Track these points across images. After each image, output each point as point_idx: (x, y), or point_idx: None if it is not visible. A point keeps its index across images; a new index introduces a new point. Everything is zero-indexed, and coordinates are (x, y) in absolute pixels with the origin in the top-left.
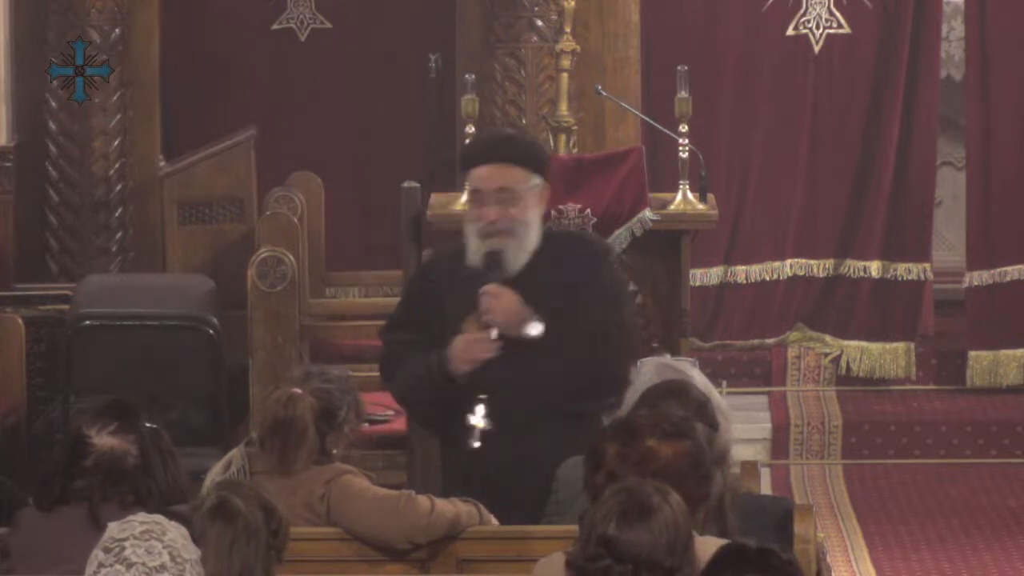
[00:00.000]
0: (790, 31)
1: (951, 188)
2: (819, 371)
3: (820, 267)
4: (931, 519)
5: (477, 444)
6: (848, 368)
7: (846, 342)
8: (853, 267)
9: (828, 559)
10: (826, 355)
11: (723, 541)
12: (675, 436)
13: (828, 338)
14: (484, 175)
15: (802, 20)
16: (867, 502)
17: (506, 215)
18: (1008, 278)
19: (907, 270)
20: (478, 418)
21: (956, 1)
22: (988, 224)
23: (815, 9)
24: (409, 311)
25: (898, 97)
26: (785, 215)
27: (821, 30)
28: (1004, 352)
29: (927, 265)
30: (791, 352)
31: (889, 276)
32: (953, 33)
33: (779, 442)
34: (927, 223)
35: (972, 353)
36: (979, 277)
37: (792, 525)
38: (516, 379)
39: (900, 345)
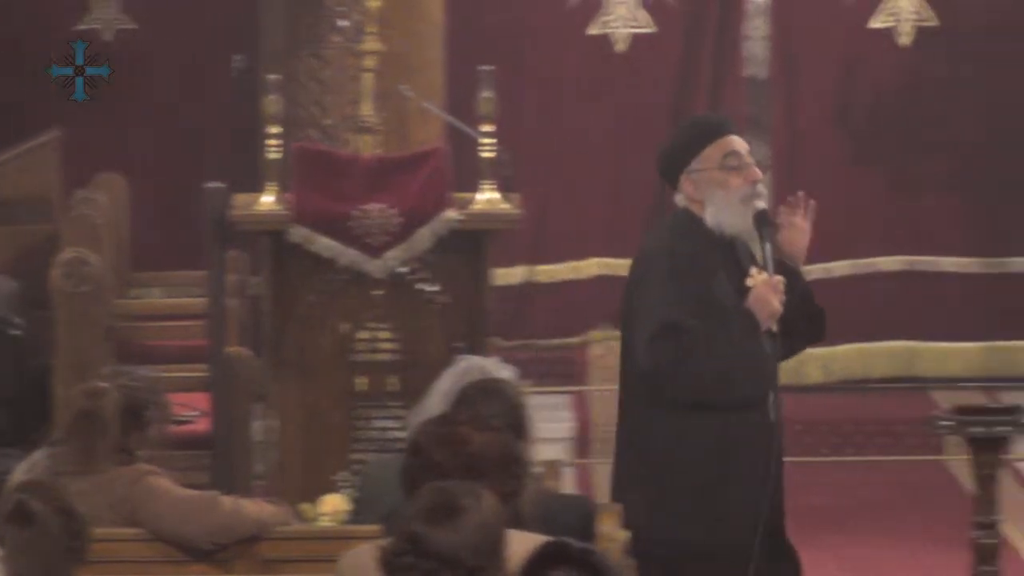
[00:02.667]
0: (594, 31)
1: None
2: None
3: (624, 266)
4: None
5: (773, 416)
6: None
7: None
8: None
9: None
10: None
11: (542, 538)
12: (490, 427)
13: None
14: (739, 142)
15: (605, 20)
16: None
17: (761, 177)
18: (810, 278)
19: None
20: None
21: (760, 0)
22: None
23: (618, 9)
24: (677, 291)
25: (702, 96)
26: (590, 214)
27: (626, 29)
28: (807, 352)
29: None
30: (595, 351)
31: None
32: (757, 32)
33: (582, 441)
34: None
35: None
36: None
37: (594, 524)
38: (774, 345)
39: None
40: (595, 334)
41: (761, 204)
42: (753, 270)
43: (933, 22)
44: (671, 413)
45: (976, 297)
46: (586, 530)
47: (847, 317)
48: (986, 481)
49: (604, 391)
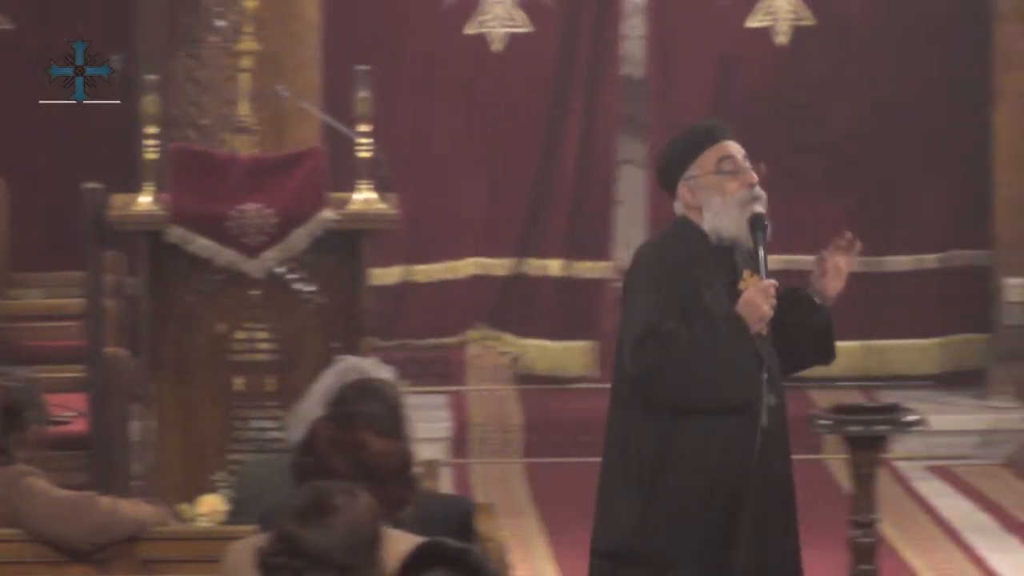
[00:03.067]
0: (470, 30)
1: (633, 187)
2: (500, 370)
3: (501, 266)
4: None
5: (765, 421)
6: (529, 367)
7: (527, 341)
8: (534, 266)
9: (509, 558)
10: (507, 354)
11: (420, 539)
12: (389, 434)
13: (509, 337)
14: (735, 147)
15: (482, 19)
16: (549, 500)
17: (758, 180)
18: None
19: (588, 269)
20: (765, 394)
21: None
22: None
23: (495, 8)
24: (664, 295)
25: (579, 96)
26: (467, 214)
27: (502, 29)
28: None
29: (608, 264)
30: (472, 351)
31: (570, 275)
32: (634, 31)
33: (460, 441)
34: (608, 222)
35: None
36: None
37: (473, 524)
38: (771, 354)
39: (581, 344)
40: (472, 334)
41: (759, 207)
42: (745, 273)
43: (810, 21)
44: (658, 417)
45: (854, 296)
46: (464, 530)
47: None
48: (864, 480)
49: (481, 391)
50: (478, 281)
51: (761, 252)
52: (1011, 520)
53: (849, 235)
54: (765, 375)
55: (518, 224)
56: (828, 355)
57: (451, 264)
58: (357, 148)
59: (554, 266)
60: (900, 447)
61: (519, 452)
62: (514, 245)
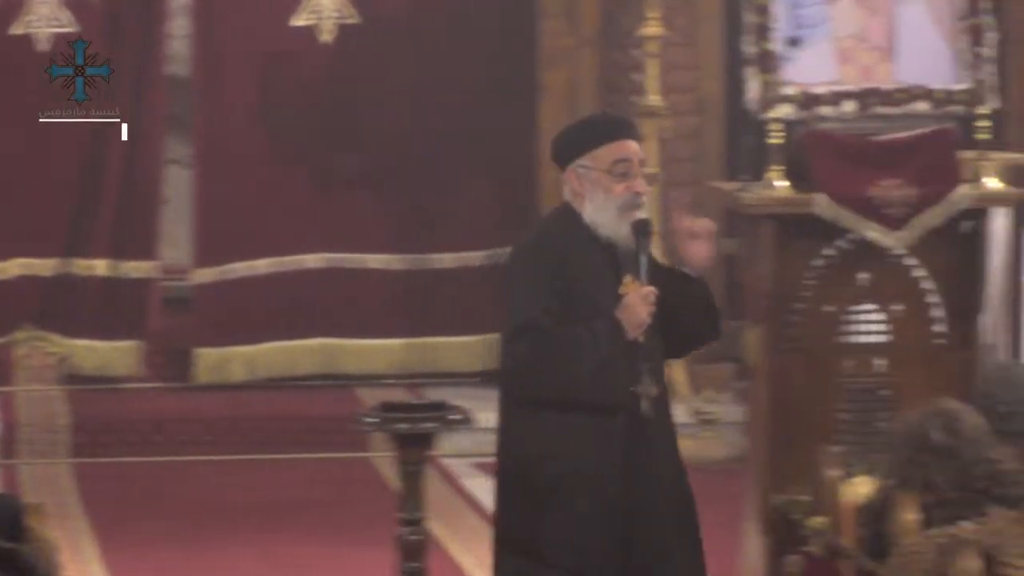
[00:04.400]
0: (18, 30)
1: (178, 186)
2: (47, 370)
3: (46, 266)
4: (164, 516)
5: (651, 412)
6: (76, 367)
7: (74, 341)
8: (80, 266)
9: (59, 557)
10: (54, 354)
11: None
12: None
13: (56, 337)
14: (633, 149)
15: (28, 19)
16: (98, 501)
17: (647, 189)
18: (234, 275)
19: (134, 269)
20: (647, 385)
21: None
22: (215, 222)
23: (40, 8)
24: (542, 290)
25: (125, 95)
26: (10, 214)
27: (48, 29)
28: (231, 349)
29: (154, 263)
30: (19, 351)
31: (116, 275)
32: (180, 30)
33: (7, 442)
34: (153, 221)
35: (199, 351)
36: (206, 275)
37: (22, 523)
38: (653, 343)
39: (127, 343)
40: (18, 334)
41: (640, 215)
42: (627, 278)
43: (355, 19)
44: (532, 412)
45: (399, 294)
46: (13, 529)
47: (272, 315)
48: (411, 478)
49: (29, 391)
50: (24, 281)
51: (643, 259)
52: None
53: (682, 197)
54: (646, 366)
55: (63, 224)
56: (714, 328)
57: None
58: None
59: (100, 266)
60: (447, 444)
61: (67, 452)
62: (60, 245)
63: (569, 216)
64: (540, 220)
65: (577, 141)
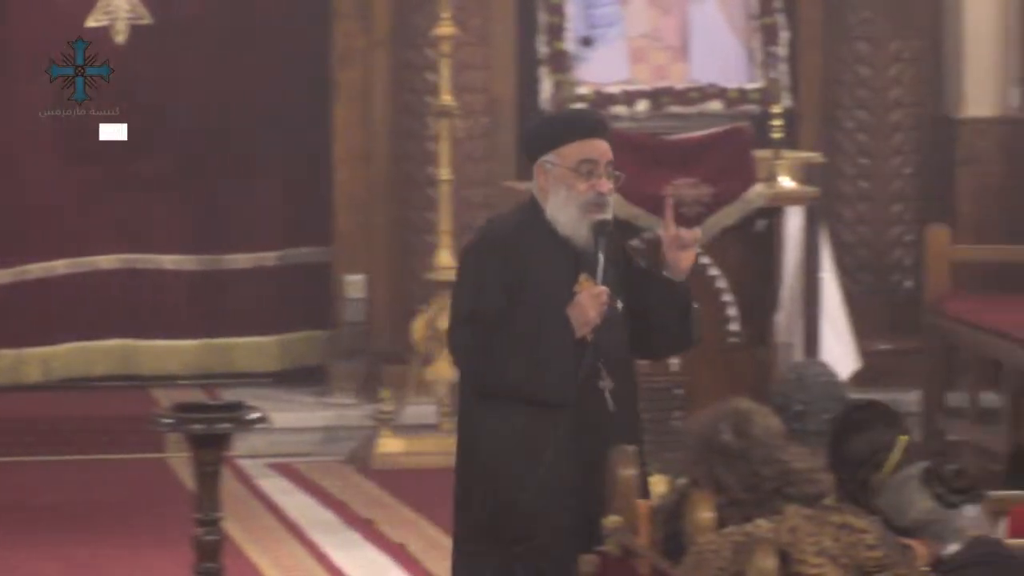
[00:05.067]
0: None
1: None
2: None
3: None
4: None
5: (612, 406)
6: None
7: None
8: None
9: None
10: None
11: None
12: None
13: None
14: (600, 148)
15: None
16: None
17: (611, 189)
18: (31, 276)
19: None
20: (606, 381)
21: None
22: (10, 223)
23: None
24: (489, 282)
25: None
26: None
27: None
28: (27, 351)
29: None
30: None
31: None
32: None
33: None
34: None
35: None
36: (2, 276)
37: None
38: (612, 338)
39: None
40: None
41: (602, 215)
42: (581, 277)
43: (147, 20)
44: (481, 401)
45: (195, 295)
46: None
47: (68, 315)
48: (207, 478)
49: None
50: None
51: (600, 258)
52: (353, 516)
53: (668, 198)
54: (600, 361)
55: None
56: (690, 334)
57: None
58: None
59: None
60: (243, 445)
61: None
62: None
63: (531, 210)
64: (500, 212)
65: (545, 137)
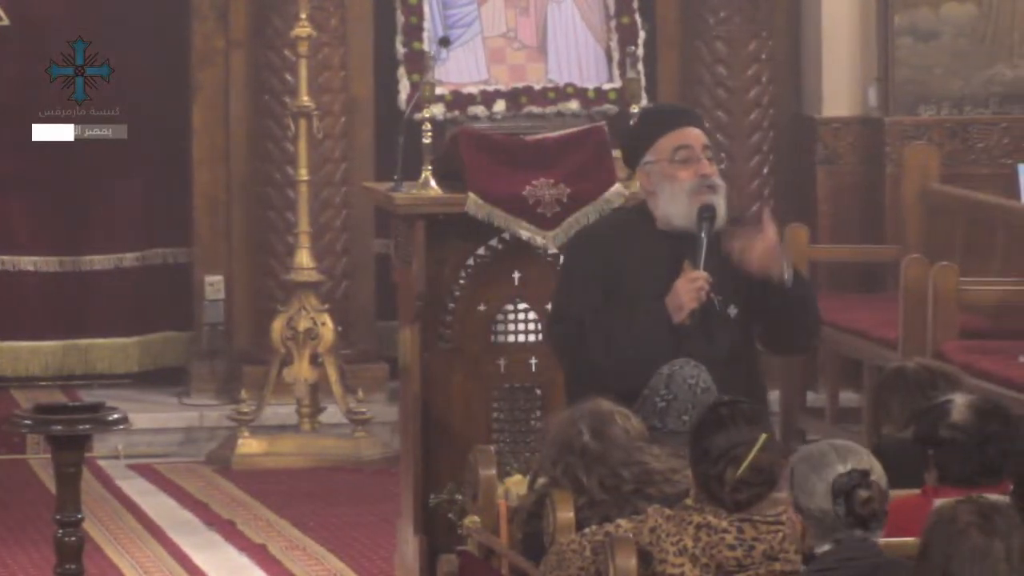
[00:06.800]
0: None
1: None
2: None
3: None
4: None
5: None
6: None
7: None
8: None
9: None
10: None
11: None
12: None
13: None
14: (692, 135)
15: None
16: None
17: (716, 172)
18: None
19: None
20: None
21: None
22: None
23: None
24: (588, 277)
25: None
26: None
27: None
28: None
29: None
30: None
31: None
32: None
33: None
34: None
35: None
36: None
37: None
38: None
39: None
40: None
41: (710, 198)
42: (685, 264)
43: (5, 22)
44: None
45: (54, 296)
46: None
47: None
48: (68, 480)
49: None
50: None
51: (703, 242)
52: (213, 516)
53: (761, 211)
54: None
55: None
56: (812, 336)
57: None
58: None
59: None
60: (103, 446)
61: None
62: None
63: (640, 211)
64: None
65: (637, 139)
